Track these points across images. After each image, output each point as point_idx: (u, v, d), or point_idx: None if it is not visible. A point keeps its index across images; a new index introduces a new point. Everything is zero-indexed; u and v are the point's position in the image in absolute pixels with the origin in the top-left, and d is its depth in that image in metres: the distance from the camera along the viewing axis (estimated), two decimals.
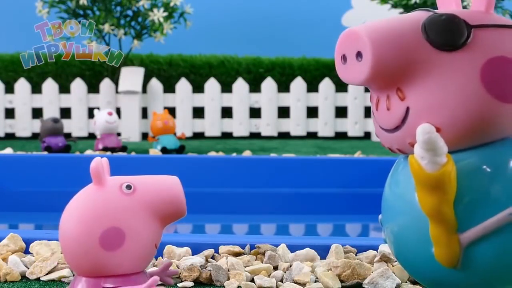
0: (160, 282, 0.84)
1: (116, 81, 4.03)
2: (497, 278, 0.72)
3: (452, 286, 0.74)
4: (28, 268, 1.11)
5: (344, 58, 0.74)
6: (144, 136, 4.03)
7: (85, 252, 0.76)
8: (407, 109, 0.71)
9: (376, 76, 0.71)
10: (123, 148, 3.00)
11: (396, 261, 1.09)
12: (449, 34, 0.71)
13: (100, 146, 2.97)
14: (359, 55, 0.71)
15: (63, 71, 4.19)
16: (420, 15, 0.73)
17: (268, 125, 4.12)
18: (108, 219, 0.76)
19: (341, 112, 4.22)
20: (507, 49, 0.71)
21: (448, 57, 0.70)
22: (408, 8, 3.78)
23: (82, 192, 0.80)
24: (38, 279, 1.10)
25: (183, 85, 4.07)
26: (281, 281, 1.07)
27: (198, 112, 4.14)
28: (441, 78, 0.70)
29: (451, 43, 0.70)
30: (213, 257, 1.14)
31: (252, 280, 1.06)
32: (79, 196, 0.80)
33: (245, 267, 1.10)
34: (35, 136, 4.02)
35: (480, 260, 0.71)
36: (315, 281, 1.07)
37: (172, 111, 4.00)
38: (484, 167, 0.71)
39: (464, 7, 0.79)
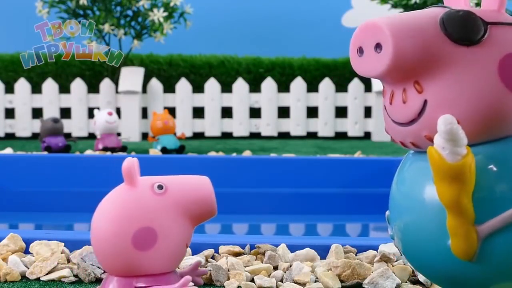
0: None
1: (116, 81, 4.03)
2: None
3: (465, 280, 0.75)
4: (28, 268, 1.11)
5: (360, 50, 0.74)
6: (144, 136, 4.03)
7: (118, 252, 0.76)
8: (425, 102, 0.72)
9: (395, 68, 0.71)
10: (123, 148, 3.00)
11: (396, 261, 1.09)
12: (467, 29, 0.71)
13: (100, 146, 2.97)
14: (378, 46, 0.71)
15: (63, 71, 4.19)
16: (436, 11, 0.74)
17: (268, 125, 4.12)
18: (140, 219, 0.76)
19: (341, 112, 4.22)
20: None
21: (466, 51, 0.71)
22: (408, 8, 3.78)
23: (113, 192, 0.80)
24: (38, 279, 1.10)
25: (183, 85, 4.08)
26: (281, 281, 1.07)
27: (198, 112, 4.15)
28: (460, 71, 0.71)
29: (469, 37, 0.71)
30: (213, 257, 1.14)
31: (252, 280, 1.06)
32: (110, 196, 0.80)
33: (245, 267, 1.10)
34: (35, 136, 4.02)
35: (497, 253, 0.71)
36: (315, 281, 1.07)
37: (172, 111, 4.00)
38: (502, 160, 0.72)
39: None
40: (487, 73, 0.71)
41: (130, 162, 0.79)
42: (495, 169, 0.71)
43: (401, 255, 0.83)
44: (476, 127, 0.71)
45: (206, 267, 1.09)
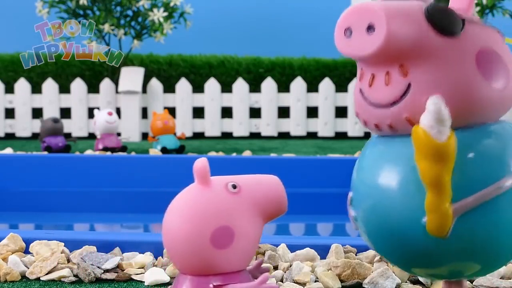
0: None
1: (116, 81, 4.03)
2: (481, 248, 0.76)
3: (432, 258, 0.78)
4: (28, 268, 1.11)
5: (348, 31, 0.76)
6: (144, 136, 4.03)
7: (196, 251, 0.77)
8: (409, 85, 0.75)
9: (385, 50, 0.74)
10: (123, 148, 3.00)
11: None
12: (450, 21, 0.75)
13: (100, 146, 2.97)
14: (370, 28, 0.74)
15: (63, 71, 4.19)
16: (418, 3, 0.77)
17: (268, 125, 4.12)
18: (218, 218, 0.77)
19: (341, 112, 4.22)
20: (491, 43, 0.78)
21: (448, 42, 0.75)
22: None
23: (187, 192, 0.81)
24: (38, 279, 1.10)
25: (183, 85, 4.08)
26: (281, 281, 1.07)
27: (198, 112, 4.15)
28: (443, 59, 0.74)
29: (451, 29, 0.75)
30: None
31: None
32: (184, 196, 0.80)
33: None
34: (35, 136, 4.02)
35: (467, 230, 0.75)
36: (315, 281, 1.07)
37: (172, 111, 4.00)
38: (474, 146, 0.76)
39: None
40: (466, 63, 0.75)
41: (204, 162, 0.80)
42: (468, 154, 0.75)
43: (367, 240, 0.85)
44: (458, 112, 0.74)
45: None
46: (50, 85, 4.03)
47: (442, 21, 0.75)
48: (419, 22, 0.75)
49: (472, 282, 1.05)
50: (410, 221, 0.76)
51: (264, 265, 1.09)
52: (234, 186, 0.80)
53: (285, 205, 0.84)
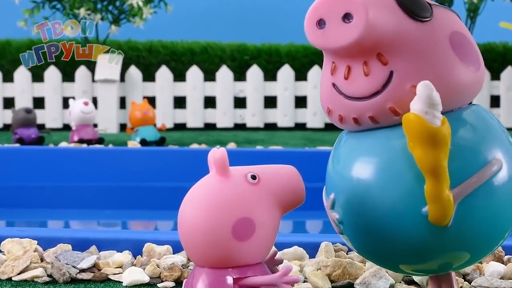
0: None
1: (92, 69, 4.01)
2: (477, 234, 0.78)
3: (426, 251, 0.78)
4: None
5: (320, 22, 0.77)
6: (122, 127, 4.02)
7: (216, 243, 0.78)
8: (391, 73, 0.76)
9: (365, 39, 0.74)
10: (100, 140, 2.99)
11: None
12: (421, 5, 0.77)
13: (76, 138, 2.96)
14: (347, 17, 0.75)
15: None
16: None
17: (253, 115, 4.12)
18: (239, 210, 0.78)
19: None
20: (457, 26, 0.80)
21: (421, 26, 0.77)
22: None
23: (205, 183, 0.81)
24: (9, 279, 1.09)
25: (164, 73, 4.07)
26: None
27: (180, 102, 4.14)
28: (420, 44, 0.76)
29: (423, 13, 0.77)
30: None
31: None
32: (202, 187, 0.81)
33: None
34: (6, 127, 4.00)
35: (465, 216, 0.76)
36: (304, 281, 1.07)
37: (151, 100, 3.99)
38: (463, 128, 0.78)
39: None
40: (443, 47, 0.77)
41: (223, 152, 0.81)
42: (456, 138, 0.76)
43: (350, 241, 0.86)
44: (441, 96, 0.74)
45: (188, 267, 1.09)
46: (22, 73, 4.01)
47: (414, 6, 0.77)
48: (393, 8, 0.76)
49: (470, 283, 1.05)
50: (403, 214, 0.77)
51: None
52: (254, 177, 0.82)
53: (303, 196, 0.86)
